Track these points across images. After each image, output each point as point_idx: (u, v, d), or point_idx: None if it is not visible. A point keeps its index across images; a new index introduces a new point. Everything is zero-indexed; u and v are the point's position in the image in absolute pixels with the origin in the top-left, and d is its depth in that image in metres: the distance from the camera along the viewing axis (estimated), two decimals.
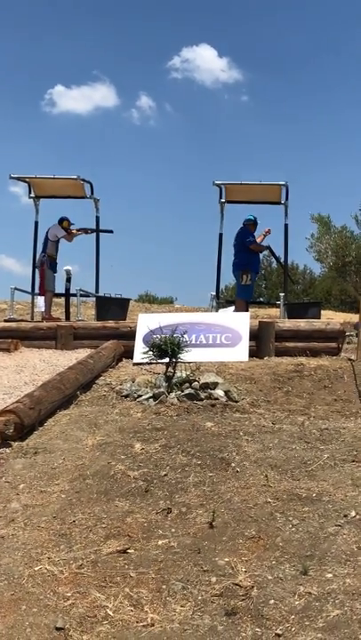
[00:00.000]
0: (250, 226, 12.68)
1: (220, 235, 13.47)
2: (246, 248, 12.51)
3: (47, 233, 12.64)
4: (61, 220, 12.80)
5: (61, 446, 4.93)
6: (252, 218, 12.72)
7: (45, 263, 12.43)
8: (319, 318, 11.65)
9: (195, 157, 48.08)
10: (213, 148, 47.81)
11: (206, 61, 46.95)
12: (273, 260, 21.23)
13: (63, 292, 12.96)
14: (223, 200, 13.35)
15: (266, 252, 14.03)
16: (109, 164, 44.41)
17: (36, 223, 13.35)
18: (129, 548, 3.53)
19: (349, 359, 8.37)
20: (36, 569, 3.33)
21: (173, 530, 3.72)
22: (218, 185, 13.14)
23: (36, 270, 12.76)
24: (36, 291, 12.88)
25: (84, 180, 12.99)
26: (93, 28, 46.35)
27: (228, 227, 13.43)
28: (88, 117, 44.86)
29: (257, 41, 48.02)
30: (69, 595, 3.13)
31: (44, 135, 44.76)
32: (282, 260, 13.43)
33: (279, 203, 13.11)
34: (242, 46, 48.92)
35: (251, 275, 12.75)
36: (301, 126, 48.41)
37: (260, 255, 13.53)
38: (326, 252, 14.91)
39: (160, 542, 3.60)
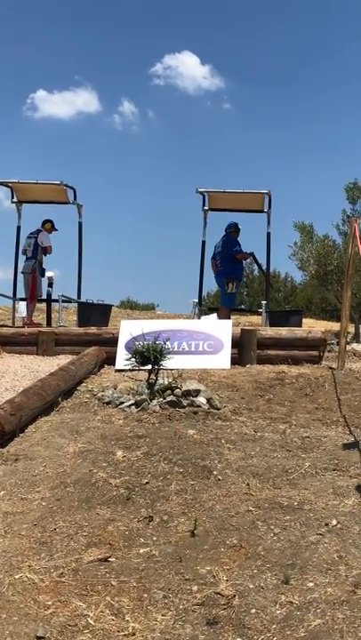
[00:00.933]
0: (233, 233, 12.74)
1: (203, 242, 13.50)
2: (232, 257, 12.57)
3: (36, 238, 12.55)
4: (44, 222, 12.75)
5: (42, 453, 4.90)
6: (232, 224, 12.77)
7: (37, 269, 12.39)
8: (301, 326, 11.68)
9: (177, 163, 48.27)
10: (196, 155, 48.02)
11: (189, 68, 47.13)
12: (255, 266, 21.28)
13: (45, 297, 12.92)
14: (206, 208, 13.38)
15: (249, 260, 14.11)
16: (92, 169, 44.42)
17: (19, 228, 13.30)
18: (110, 557, 3.52)
19: (330, 367, 8.40)
20: (16, 577, 3.30)
21: (155, 538, 3.71)
22: (201, 192, 13.17)
23: (23, 276, 12.66)
24: (21, 296, 12.82)
25: (67, 185, 12.97)
26: (75, 33, 46.44)
27: (211, 234, 13.47)
28: (70, 122, 44.85)
29: (239, 49, 48.34)
30: (50, 603, 3.11)
31: (25, 140, 44.74)
32: (264, 267, 13.49)
33: (262, 211, 13.17)
34: (224, 54, 49.19)
35: (235, 283, 12.83)
36: (284, 134, 48.68)
37: (243, 262, 13.58)
38: (309, 261, 14.94)
39: (141, 551, 3.58)
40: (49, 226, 12.75)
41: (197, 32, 48.98)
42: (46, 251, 12.55)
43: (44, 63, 45.62)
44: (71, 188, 13.11)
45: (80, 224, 13.52)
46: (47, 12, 45.37)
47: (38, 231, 12.63)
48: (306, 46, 47.36)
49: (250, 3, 46.97)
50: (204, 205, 13.39)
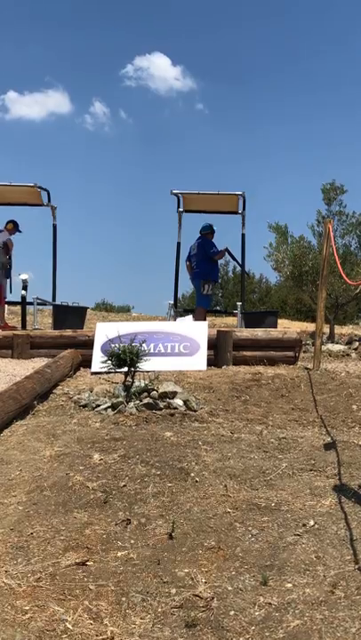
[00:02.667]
0: (208, 235, 12.79)
1: (179, 244, 13.56)
2: (209, 258, 12.63)
3: None
4: (7, 223, 12.60)
5: (18, 457, 4.87)
6: (207, 226, 12.82)
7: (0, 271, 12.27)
8: (276, 327, 11.73)
9: (151, 164, 48.31)
10: (169, 155, 48.05)
11: (160, 69, 47.15)
12: (231, 266, 21.35)
13: (19, 300, 12.84)
14: (181, 209, 13.44)
15: (226, 257, 14.23)
16: (64, 170, 44.29)
17: None
18: (88, 560, 3.50)
19: (306, 368, 8.44)
20: None
21: (133, 541, 3.70)
22: (175, 194, 13.21)
23: None
24: None
25: (40, 187, 12.94)
26: (45, 34, 46.37)
27: (186, 235, 13.51)
28: (42, 123, 44.65)
29: (210, 50, 48.52)
30: (27, 608, 3.09)
31: None
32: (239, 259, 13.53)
33: (236, 212, 13.24)
34: (195, 55, 49.27)
35: (211, 284, 12.89)
36: (257, 134, 48.89)
37: (218, 263, 13.64)
38: (284, 262, 14.98)
39: (119, 554, 3.57)
40: (11, 226, 12.60)
41: (168, 33, 49.16)
42: (7, 248, 12.35)
43: (14, 64, 45.46)
44: (45, 190, 13.08)
45: (54, 226, 13.51)
46: (16, 13, 45.20)
47: (1, 231, 12.49)
48: (278, 47, 47.70)
49: (220, 4, 47.07)
50: (178, 207, 13.44)
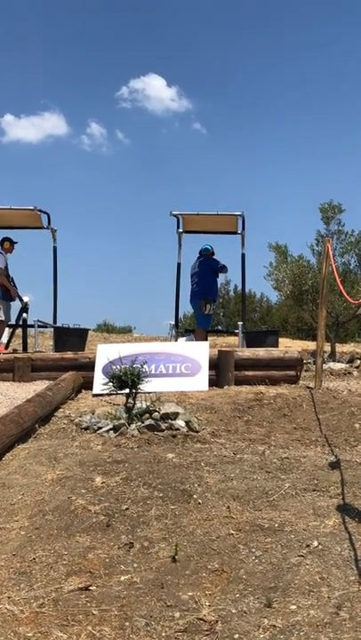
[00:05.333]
0: (209, 255, 12.86)
1: (179, 264, 13.58)
2: (211, 276, 12.70)
3: None
4: (2, 242, 12.57)
5: (20, 481, 4.85)
6: (209, 247, 12.89)
7: None
8: (277, 346, 11.72)
9: (149, 183, 48.47)
10: (168, 175, 48.22)
11: (155, 90, 47.39)
12: (231, 280, 21.42)
13: (19, 322, 12.83)
14: (181, 230, 13.47)
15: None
16: (63, 191, 44.40)
17: None
18: (91, 585, 3.47)
19: (308, 387, 8.43)
20: None
21: (136, 565, 3.68)
22: (175, 215, 13.24)
23: None
24: None
25: (40, 210, 12.96)
26: (40, 58, 46.66)
27: (186, 256, 13.55)
28: (39, 145, 44.90)
29: (205, 70, 48.81)
30: (30, 635, 3.06)
31: None
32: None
33: (236, 232, 13.27)
34: (190, 76, 49.54)
35: (212, 304, 12.93)
36: (255, 153, 49.06)
37: (218, 283, 13.68)
38: (284, 281, 15.03)
39: (122, 578, 3.55)
40: (8, 244, 12.57)
41: (162, 55, 49.52)
42: (1, 273, 12.28)
43: (10, 88, 45.73)
44: (45, 212, 13.11)
45: (55, 248, 13.53)
46: (10, 38, 45.55)
47: None
48: (273, 65, 47.94)
49: (212, 25, 47.47)
50: (178, 228, 13.46)
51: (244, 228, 13.12)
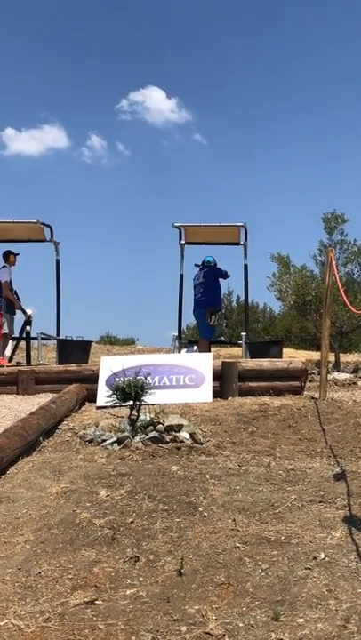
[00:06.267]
0: (212, 266, 12.90)
1: (181, 275, 13.61)
2: (216, 286, 12.76)
3: None
4: (7, 256, 12.59)
5: (25, 495, 4.84)
6: (212, 259, 12.92)
7: (1, 307, 12.22)
8: (281, 357, 11.70)
9: (151, 195, 48.48)
10: (169, 186, 48.24)
11: (155, 102, 47.38)
12: (234, 291, 21.42)
13: (23, 335, 12.84)
14: (183, 241, 13.50)
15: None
16: (65, 204, 44.46)
17: None
18: (97, 599, 3.45)
19: (312, 398, 8.41)
20: (1, 624, 3.23)
21: (142, 578, 3.66)
22: (177, 227, 13.28)
23: None
24: None
25: (43, 223, 12.99)
26: (39, 72, 46.80)
27: (189, 267, 13.56)
28: (40, 158, 44.98)
29: (204, 81, 48.88)
30: None
31: None
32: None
33: (238, 243, 13.29)
34: (189, 87, 49.64)
35: (216, 314, 12.96)
36: (257, 163, 49.05)
37: (222, 293, 13.72)
38: (287, 291, 15.04)
39: (128, 592, 3.52)
40: (13, 258, 12.59)
41: (161, 67, 49.55)
42: (5, 287, 12.31)
43: (10, 102, 45.84)
44: (48, 225, 13.14)
45: (57, 261, 13.54)
46: (10, 52, 45.74)
47: (2, 267, 12.48)
48: (273, 75, 47.94)
49: (209, 37, 47.62)
50: (180, 239, 13.50)
51: (246, 239, 13.15)
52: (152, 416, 6.49)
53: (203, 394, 8.44)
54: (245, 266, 13.40)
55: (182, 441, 6.09)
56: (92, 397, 8.51)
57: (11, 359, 12.78)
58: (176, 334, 13.38)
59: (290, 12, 45.90)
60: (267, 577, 3.59)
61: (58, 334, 13.23)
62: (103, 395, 7.86)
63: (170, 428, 6.29)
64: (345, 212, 15.80)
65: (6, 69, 44.21)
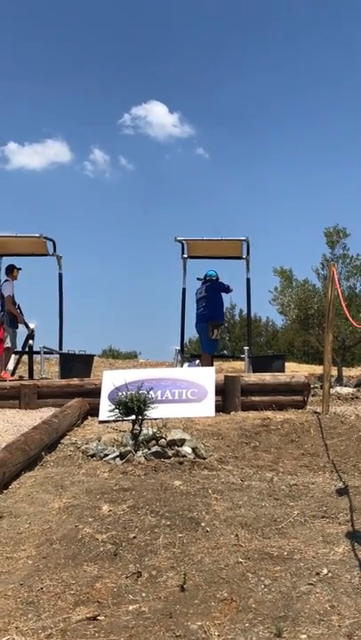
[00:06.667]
0: (215, 280, 12.93)
1: (184, 289, 13.63)
2: (219, 300, 12.79)
3: (0, 289, 12.42)
4: (10, 270, 12.61)
5: (27, 510, 4.83)
6: (214, 273, 12.95)
7: (5, 321, 12.21)
8: (283, 371, 11.69)
9: (153, 208, 48.47)
10: (172, 199, 48.25)
11: (158, 117, 47.53)
12: (237, 304, 21.45)
13: (26, 349, 12.84)
14: (186, 255, 13.52)
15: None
16: (67, 217, 44.51)
17: None
18: (99, 615, 3.44)
19: (315, 412, 8.39)
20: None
21: (144, 594, 3.65)
22: (180, 241, 13.29)
23: None
24: None
25: (46, 237, 13.01)
26: (42, 87, 46.98)
27: (192, 281, 13.59)
28: (43, 172, 45.08)
29: (206, 96, 49.03)
30: None
31: None
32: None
33: (241, 257, 13.30)
34: (191, 102, 49.69)
35: (219, 328, 12.96)
36: (259, 177, 49.12)
37: (224, 307, 13.73)
38: (289, 305, 15.07)
39: (131, 607, 3.51)
40: (16, 272, 12.61)
41: (163, 82, 49.78)
42: (9, 300, 12.32)
43: (12, 117, 46.03)
44: (50, 240, 13.16)
45: (60, 275, 13.55)
46: (12, 66, 45.97)
47: (5, 281, 12.50)
48: (275, 89, 48.12)
49: (211, 51, 47.87)
50: (183, 253, 13.52)
51: (248, 253, 13.17)
52: (154, 430, 6.48)
53: (205, 408, 8.42)
54: (248, 280, 13.41)
55: (185, 455, 6.08)
56: (94, 411, 8.50)
57: (13, 373, 12.78)
58: (178, 348, 13.38)
59: (289, 25, 46.16)
60: (269, 592, 3.58)
61: (60, 348, 13.23)
62: (105, 409, 7.84)
63: (172, 443, 6.28)
64: (347, 227, 15.84)
65: (9, 84, 44.41)
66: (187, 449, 6.21)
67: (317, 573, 3.74)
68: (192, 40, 47.69)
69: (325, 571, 3.75)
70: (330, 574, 3.72)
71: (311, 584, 3.62)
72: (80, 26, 46.89)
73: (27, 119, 47.57)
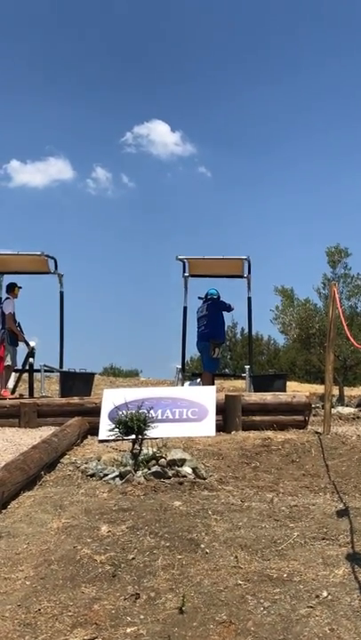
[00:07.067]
0: (216, 299, 12.95)
1: (185, 308, 13.65)
2: (220, 319, 12.81)
3: (2, 307, 12.45)
4: (11, 288, 12.62)
5: (26, 530, 4.80)
6: (215, 292, 12.98)
7: (5, 339, 12.21)
8: (285, 391, 11.66)
9: (154, 226, 48.60)
10: (173, 217, 48.36)
11: (160, 136, 47.72)
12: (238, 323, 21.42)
13: (26, 367, 12.83)
14: (187, 274, 13.55)
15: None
16: (69, 234, 44.61)
17: (0, 299, 13.29)
18: (97, 637, 3.41)
19: (316, 432, 8.37)
20: None
21: (142, 616, 3.61)
22: (181, 260, 13.33)
23: None
24: None
25: (47, 255, 13.05)
26: (44, 105, 47.25)
27: (193, 299, 13.61)
28: (45, 190, 45.22)
29: (207, 115, 49.20)
30: None
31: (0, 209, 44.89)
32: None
33: (242, 276, 13.32)
34: (193, 121, 49.95)
35: (220, 347, 12.96)
36: (261, 196, 49.28)
37: (225, 326, 13.74)
38: (291, 324, 15.07)
39: (129, 630, 3.48)
40: (17, 290, 12.63)
41: (165, 101, 50.01)
42: (10, 318, 12.33)
43: (15, 135, 46.28)
44: (52, 258, 13.19)
45: (61, 293, 13.58)
46: (15, 84, 46.27)
47: (6, 299, 12.51)
48: (277, 109, 48.33)
49: (213, 71, 48.22)
50: (184, 272, 13.55)
51: (249, 272, 13.20)
52: (154, 450, 6.46)
53: (206, 428, 8.40)
54: (249, 298, 13.44)
55: (185, 476, 6.05)
56: (94, 430, 8.48)
57: (13, 391, 12.76)
58: (180, 367, 13.37)
59: (289, 43, 46.53)
60: (269, 615, 3.54)
61: (61, 366, 13.22)
62: (105, 428, 7.82)
63: (172, 463, 6.26)
64: (348, 246, 15.88)
65: (11, 102, 44.73)
66: (187, 469, 6.18)
67: (317, 596, 3.70)
68: (194, 59, 48.09)
69: (325, 593, 3.72)
70: (330, 597, 3.69)
71: (311, 607, 3.59)
72: (83, 45, 47.31)
73: (29, 137, 47.89)
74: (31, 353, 12.68)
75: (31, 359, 12.69)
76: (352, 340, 8.88)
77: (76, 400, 9.42)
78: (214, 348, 12.78)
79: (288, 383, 14.65)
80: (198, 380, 13.37)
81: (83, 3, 45.82)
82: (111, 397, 8.67)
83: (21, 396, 12.03)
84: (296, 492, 5.92)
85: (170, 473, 6.05)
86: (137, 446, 6.50)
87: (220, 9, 45.95)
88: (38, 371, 12.84)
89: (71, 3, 45.40)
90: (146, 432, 6.53)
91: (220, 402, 8.82)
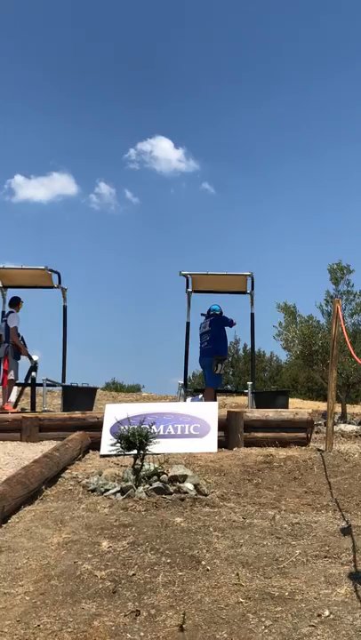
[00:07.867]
0: (218, 315, 12.95)
1: (188, 323, 13.64)
2: (223, 334, 12.81)
3: (6, 321, 12.47)
4: (16, 302, 12.64)
5: (26, 545, 4.77)
6: (218, 308, 12.99)
7: (9, 353, 12.21)
8: (287, 407, 11.65)
9: (157, 242, 48.62)
10: (176, 233, 48.44)
11: (163, 152, 47.88)
12: (241, 339, 21.41)
13: (28, 381, 12.82)
14: (190, 290, 13.56)
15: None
16: (72, 249, 44.70)
17: (3, 312, 13.32)
18: None
19: (319, 449, 8.34)
20: None
21: (142, 633, 3.58)
22: (184, 275, 13.35)
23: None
24: None
25: (51, 270, 13.08)
26: (47, 121, 47.50)
27: (196, 315, 13.61)
28: (49, 205, 45.36)
29: (211, 132, 49.39)
30: None
31: (3, 224, 45.00)
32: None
33: (245, 292, 13.34)
34: (196, 137, 50.15)
35: (223, 363, 12.96)
36: (264, 213, 49.32)
37: (228, 342, 13.73)
38: (293, 341, 15.02)
39: None
40: (21, 305, 12.65)
41: (168, 118, 50.27)
42: (13, 332, 12.33)
43: (19, 150, 46.48)
44: (56, 272, 13.23)
45: (65, 307, 13.60)
46: (19, 100, 46.55)
47: (10, 313, 12.54)
48: (280, 125, 48.52)
49: (215, 88, 48.47)
50: (187, 287, 13.57)
51: (253, 288, 13.22)
52: (156, 466, 6.44)
53: (208, 444, 8.38)
54: (252, 315, 13.44)
55: (186, 492, 6.03)
56: (96, 445, 8.45)
57: (15, 405, 12.75)
58: (182, 382, 13.37)
59: (293, 60, 46.82)
60: (270, 634, 3.51)
61: (63, 380, 13.22)
62: (107, 443, 7.81)
63: (174, 479, 6.24)
64: (351, 263, 15.83)
65: (15, 118, 44.99)
66: (188, 485, 6.16)
67: (319, 615, 3.67)
68: (198, 76, 48.33)
69: (327, 612, 3.69)
70: (332, 616, 3.65)
71: (313, 626, 3.56)
72: (87, 61, 47.56)
73: (33, 152, 48.09)
74: (34, 367, 12.67)
75: (34, 373, 12.68)
76: (355, 357, 8.86)
77: (77, 414, 9.40)
78: (217, 364, 12.77)
79: (290, 400, 14.64)
80: (200, 395, 13.36)
81: (86, 19, 46.12)
82: (113, 412, 8.65)
83: (23, 410, 12.01)
84: (298, 509, 5.89)
85: (171, 489, 6.03)
86: (138, 462, 6.48)
87: (223, 26, 46.29)
88: (41, 385, 12.84)
89: (75, 19, 45.73)
90: (148, 447, 6.51)
91: (223, 418, 8.80)
